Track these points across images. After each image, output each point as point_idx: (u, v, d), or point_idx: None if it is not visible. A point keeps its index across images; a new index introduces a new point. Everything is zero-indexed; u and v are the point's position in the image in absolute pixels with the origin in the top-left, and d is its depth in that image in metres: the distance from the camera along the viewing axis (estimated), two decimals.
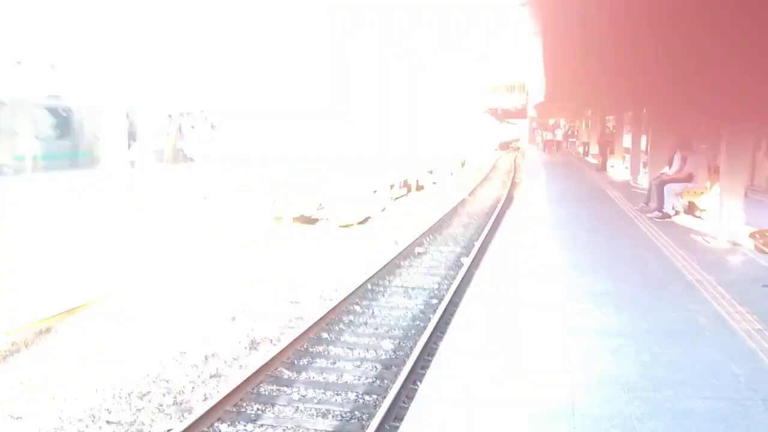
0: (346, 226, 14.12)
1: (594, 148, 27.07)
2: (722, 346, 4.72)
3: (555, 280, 6.74)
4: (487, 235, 12.31)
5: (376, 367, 6.52)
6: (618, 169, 20.75)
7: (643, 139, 18.27)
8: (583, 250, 8.42)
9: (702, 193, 10.50)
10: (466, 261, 10.41)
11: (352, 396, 5.88)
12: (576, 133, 40.38)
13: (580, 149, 33.36)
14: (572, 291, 6.31)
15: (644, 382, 4.11)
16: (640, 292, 6.29)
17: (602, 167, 21.94)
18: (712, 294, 6.09)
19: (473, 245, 11.96)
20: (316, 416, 5.48)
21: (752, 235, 8.64)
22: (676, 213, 10.64)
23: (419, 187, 21.35)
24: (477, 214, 17.22)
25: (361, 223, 14.59)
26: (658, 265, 7.43)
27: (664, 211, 10.51)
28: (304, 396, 5.86)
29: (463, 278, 9.08)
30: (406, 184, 19.71)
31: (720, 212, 8.78)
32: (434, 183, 23.17)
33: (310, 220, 14.34)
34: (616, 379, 4.15)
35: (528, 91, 45.88)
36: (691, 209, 10.81)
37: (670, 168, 11.17)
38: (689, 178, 10.49)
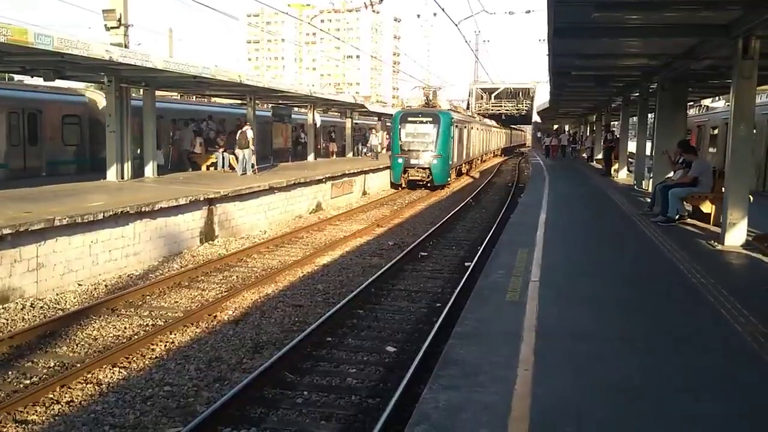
0: None
1: (598, 153, 26.97)
2: None
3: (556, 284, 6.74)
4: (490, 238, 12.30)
5: None
6: (622, 173, 20.65)
7: (648, 145, 18.22)
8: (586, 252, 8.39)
9: (707, 197, 10.41)
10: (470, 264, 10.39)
11: None
12: (580, 138, 40.19)
13: (585, 154, 33.25)
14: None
15: None
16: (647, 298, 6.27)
17: (606, 172, 21.88)
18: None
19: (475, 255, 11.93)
20: None
21: (756, 239, 8.60)
22: (680, 217, 10.55)
23: None
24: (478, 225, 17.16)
25: None
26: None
27: (668, 215, 10.44)
28: None
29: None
30: None
31: (724, 216, 8.71)
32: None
33: None
34: None
35: (533, 97, 45.88)
36: (695, 214, 10.74)
37: (674, 172, 11.11)
38: (694, 183, 10.40)
